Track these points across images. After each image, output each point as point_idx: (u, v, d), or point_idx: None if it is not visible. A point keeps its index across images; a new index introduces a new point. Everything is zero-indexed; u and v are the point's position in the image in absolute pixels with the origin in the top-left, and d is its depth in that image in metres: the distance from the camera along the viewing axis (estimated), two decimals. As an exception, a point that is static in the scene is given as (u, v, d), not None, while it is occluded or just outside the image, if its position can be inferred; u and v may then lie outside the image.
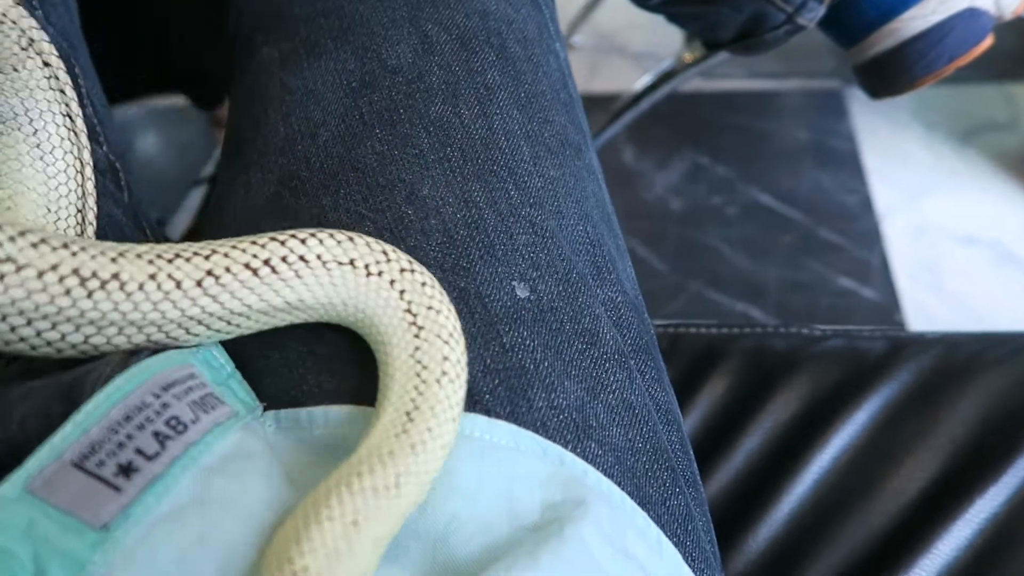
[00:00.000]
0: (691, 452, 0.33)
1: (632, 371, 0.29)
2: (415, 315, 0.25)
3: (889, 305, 1.05)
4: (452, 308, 0.25)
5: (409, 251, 0.28)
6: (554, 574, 0.21)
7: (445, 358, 0.24)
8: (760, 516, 0.41)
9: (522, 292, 0.28)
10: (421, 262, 0.28)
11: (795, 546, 0.40)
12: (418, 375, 0.24)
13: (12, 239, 0.21)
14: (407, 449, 0.22)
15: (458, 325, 0.25)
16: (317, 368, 0.27)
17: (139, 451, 0.20)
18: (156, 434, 0.21)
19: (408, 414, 0.23)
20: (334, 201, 0.29)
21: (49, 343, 0.22)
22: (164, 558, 0.19)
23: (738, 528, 0.42)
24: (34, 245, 0.21)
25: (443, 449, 0.22)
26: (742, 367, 0.47)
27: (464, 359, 0.25)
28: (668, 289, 1.09)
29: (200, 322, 0.23)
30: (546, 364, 0.27)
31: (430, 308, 0.25)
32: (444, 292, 0.26)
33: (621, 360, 0.29)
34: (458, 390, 0.24)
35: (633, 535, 0.25)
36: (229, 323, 0.24)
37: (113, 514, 0.19)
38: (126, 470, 0.20)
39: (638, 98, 0.85)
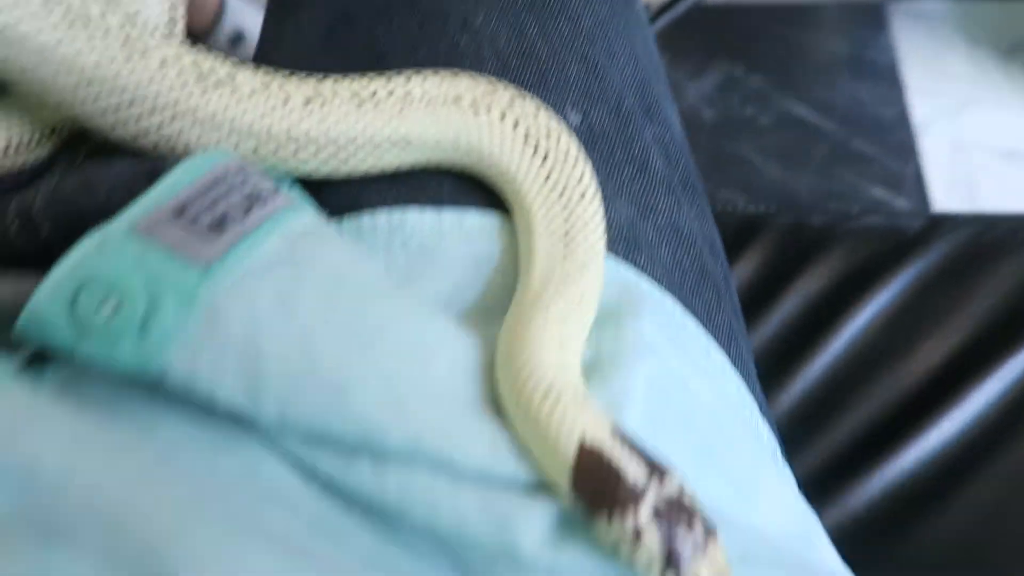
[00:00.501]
0: (733, 288, 0.34)
1: (680, 200, 0.30)
2: (536, 143, 0.25)
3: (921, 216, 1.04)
4: (565, 128, 0.26)
5: None
6: (617, 364, 0.22)
7: (579, 178, 0.24)
8: (794, 372, 0.43)
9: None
10: None
11: (826, 400, 0.42)
12: (560, 198, 0.24)
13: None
14: (580, 269, 0.22)
15: (576, 143, 0.25)
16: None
17: (228, 211, 0.21)
18: (243, 197, 0.22)
19: (566, 235, 0.23)
20: (387, 30, 0.30)
21: (162, 136, 0.23)
22: (264, 296, 0.21)
23: (771, 385, 0.43)
24: (165, 37, 0.22)
25: (603, 259, 0.23)
26: (779, 240, 0.48)
27: (592, 174, 0.25)
28: (699, 198, 1.09)
29: (306, 144, 0.24)
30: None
31: (549, 134, 0.25)
32: (554, 114, 0.26)
33: (669, 188, 0.30)
34: (599, 204, 0.24)
35: (685, 336, 0.27)
36: (336, 153, 0.24)
37: (212, 259, 0.20)
38: (219, 225, 0.21)
39: (670, 4, 0.83)
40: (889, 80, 1.19)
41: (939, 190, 1.06)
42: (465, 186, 0.26)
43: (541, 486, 0.20)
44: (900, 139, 1.11)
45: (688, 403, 0.24)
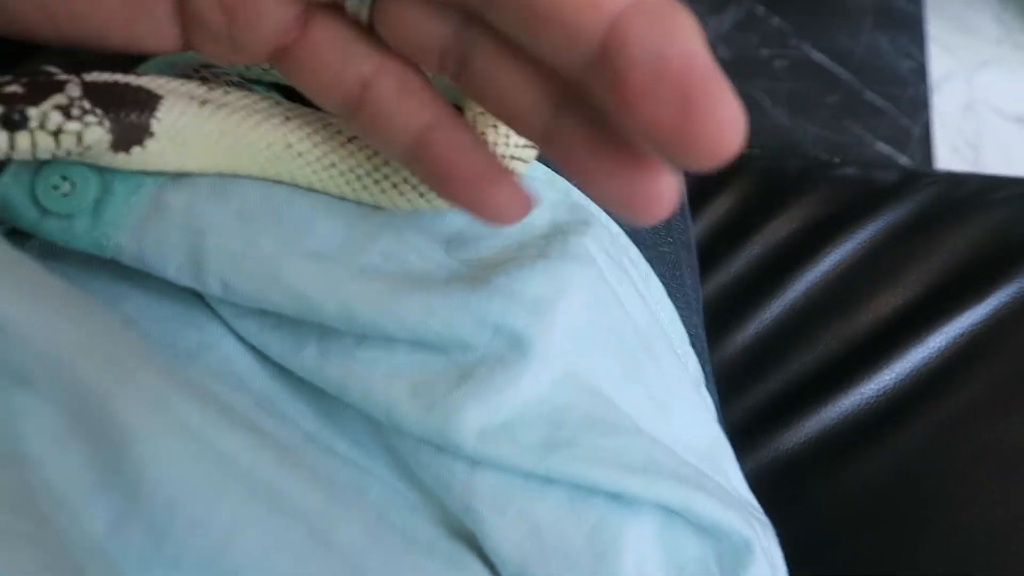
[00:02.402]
0: (690, 223, 0.35)
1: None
2: None
3: (922, 174, 1.04)
4: None
5: None
6: (561, 264, 0.24)
7: None
8: (750, 315, 0.45)
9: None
10: None
11: (775, 345, 0.44)
12: None
13: None
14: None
15: None
16: None
17: None
18: None
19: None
20: None
21: None
22: (203, 184, 0.22)
23: (730, 322, 0.45)
24: None
25: None
26: (755, 182, 0.49)
27: None
28: (703, 137, 1.08)
29: None
30: None
31: None
32: None
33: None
34: None
35: (627, 261, 0.28)
36: None
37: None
38: None
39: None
40: (912, 32, 1.17)
41: (944, 150, 1.06)
42: None
43: (471, 370, 0.22)
44: (913, 93, 1.10)
45: (620, 318, 0.26)
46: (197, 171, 0.23)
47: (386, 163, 0.23)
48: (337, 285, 0.22)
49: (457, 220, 0.26)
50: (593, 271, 0.25)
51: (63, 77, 0.20)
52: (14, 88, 0.19)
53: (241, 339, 0.23)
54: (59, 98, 0.20)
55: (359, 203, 0.24)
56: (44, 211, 0.21)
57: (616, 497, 0.23)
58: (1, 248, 0.19)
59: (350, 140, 0.23)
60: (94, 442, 0.18)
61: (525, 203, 0.20)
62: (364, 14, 0.19)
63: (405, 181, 0.23)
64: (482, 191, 0.19)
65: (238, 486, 0.19)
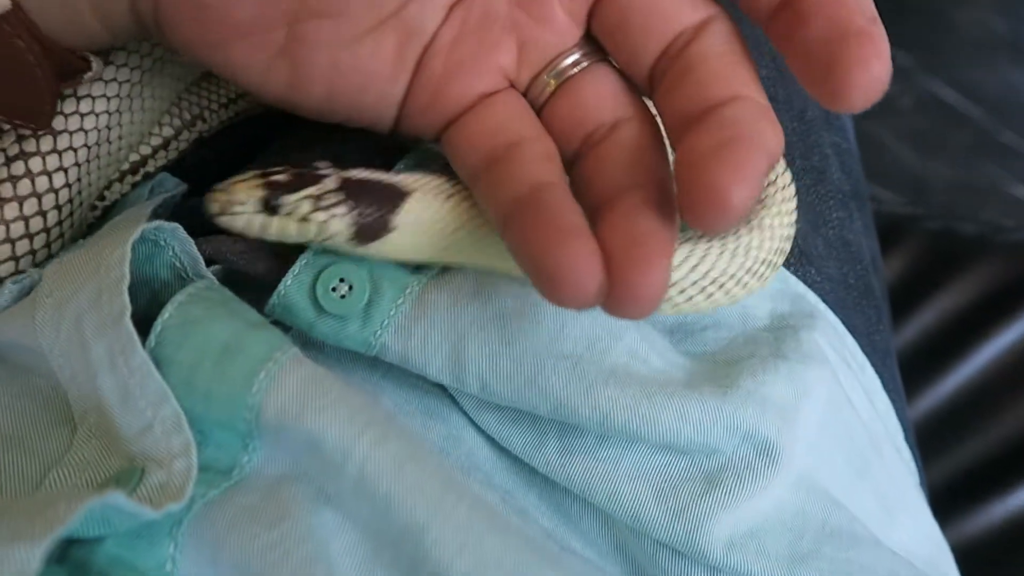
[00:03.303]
0: (888, 307, 0.34)
1: (852, 211, 0.30)
2: None
3: (1065, 220, 0.98)
4: None
5: None
6: (801, 366, 0.23)
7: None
8: (922, 390, 0.42)
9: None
10: None
11: (954, 421, 0.41)
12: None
13: None
14: None
15: None
16: None
17: None
18: None
19: None
20: None
21: None
22: (466, 283, 0.23)
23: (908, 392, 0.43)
24: None
25: None
26: (926, 246, 0.46)
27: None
28: (824, 176, 1.05)
29: None
30: None
31: None
32: None
33: (843, 200, 0.30)
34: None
35: (846, 352, 0.27)
36: None
37: None
38: None
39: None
40: (1050, 68, 1.11)
41: (1089, 194, 0.99)
42: None
43: (717, 476, 0.22)
44: (1053, 134, 1.04)
45: (850, 417, 0.25)
46: (430, 261, 0.23)
47: None
48: (591, 388, 0.21)
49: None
50: (827, 371, 0.24)
51: (326, 171, 0.22)
52: (280, 177, 0.21)
53: (480, 431, 0.23)
54: (313, 189, 0.21)
55: None
56: (320, 311, 0.22)
57: None
58: (309, 362, 0.20)
59: None
60: (403, 573, 0.18)
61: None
62: (543, 97, 0.22)
63: None
64: (560, 247, 0.17)
65: None
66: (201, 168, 0.29)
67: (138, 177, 0.28)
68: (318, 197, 0.21)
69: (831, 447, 0.24)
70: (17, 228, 0.24)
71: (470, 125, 0.22)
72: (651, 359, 0.23)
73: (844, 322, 0.28)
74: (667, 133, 0.20)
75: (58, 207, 0.25)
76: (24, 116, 0.22)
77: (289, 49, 0.21)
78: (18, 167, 0.24)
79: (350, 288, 0.22)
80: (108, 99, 0.25)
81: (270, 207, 0.21)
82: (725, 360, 0.24)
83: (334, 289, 0.22)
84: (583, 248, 0.17)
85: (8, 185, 0.23)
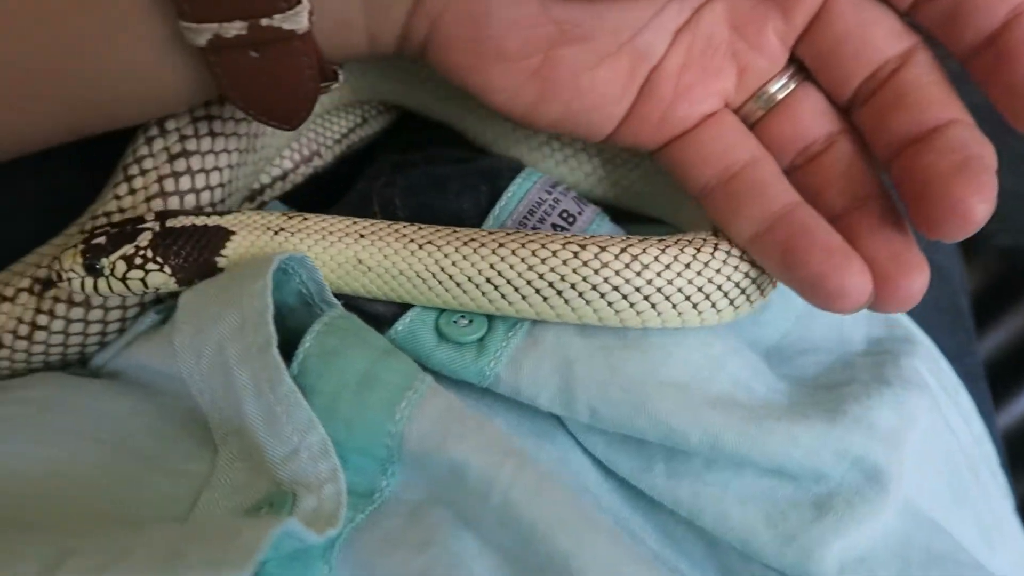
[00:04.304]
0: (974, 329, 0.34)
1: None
2: None
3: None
4: None
5: None
6: (905, 393, 0.24)
7: None
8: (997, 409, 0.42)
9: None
10: None
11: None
12: None
13: None
14: None
15: None
16: None
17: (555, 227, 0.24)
18: (554, 226, 0.25)
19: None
20: None
21: None
22: None
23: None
24: None
25: None
26: (995, 261, 0.46)
27: None
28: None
29: None
30: None
31: None
32: None
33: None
34: None
35: (943, 377, 0.27)
36: None
37: None
38: None
39: None
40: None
41: None
42: None
43: (827, 501, 0.22)
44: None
45: (950, 442, 0.25)
46: None
47: (453, 264, 0.23)
48: (699, 414, 0.22)
49: (774, 330, 0.26)
50: (928, 398, 0.24)
51: (145, 226, 0.24)
52: (99, 240, 0.23)
53: (586, 453, 0.24)
54: (128, 248, 0.23)
55: (706, 329, 0.24)
56: (440, 339, 0.23)
57: None
58: (443, 391, 0.21)
59: (420, 247, 0.24)
60: None
61: (869, 290, 0.20)
62: (755, 116, 0.24)
63: (470, 280, 0.23)
64: (836, 268, 0.20)
65: None
66: (307, 195, 0.30)
67: (254, 205, 0.29)
68: (131, 256, 0.23)
69: (932, 473, 0.24)
70: None
71: (697, 143, 0.24)
72: (754, 386, 0.23)
73: (937, 344, 0.29)
74: (874, 147, 0.22)
75: (212, 204, 0.26)
76: (281, 117, 0.23)
77: (541, 73, 0.23)
78: (180, 164, 0.25)
79: (469, 322, 0.24)
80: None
81: (92, 270, 0.23)
82: (825, 385, 0.24)
83: (455, 322, 0.23)
84: (856, 267, 0.20)
85: (171, 180, 0.25)
